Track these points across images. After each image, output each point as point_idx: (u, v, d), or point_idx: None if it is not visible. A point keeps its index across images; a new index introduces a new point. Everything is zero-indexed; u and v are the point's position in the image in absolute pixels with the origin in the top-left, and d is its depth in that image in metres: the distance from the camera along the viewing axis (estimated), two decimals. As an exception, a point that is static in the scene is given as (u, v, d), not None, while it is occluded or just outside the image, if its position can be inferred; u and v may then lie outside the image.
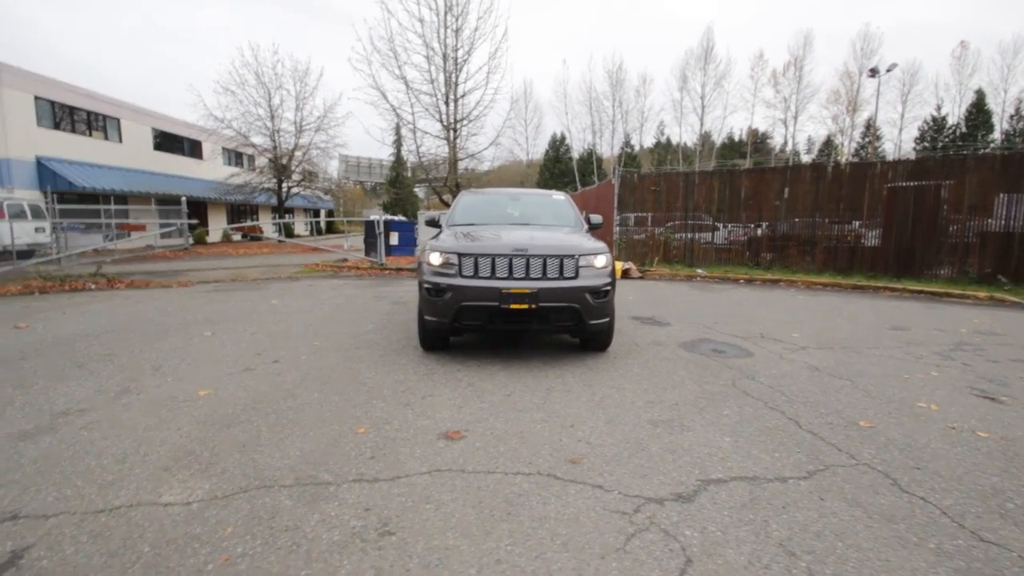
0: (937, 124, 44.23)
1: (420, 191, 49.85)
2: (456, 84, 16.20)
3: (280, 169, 24.20)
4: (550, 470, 2.61)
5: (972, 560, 1.94)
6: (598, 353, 5.01)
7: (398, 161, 44.39)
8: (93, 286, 9.51)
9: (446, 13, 15.50)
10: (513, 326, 4.57)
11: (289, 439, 2.97)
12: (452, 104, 16.33)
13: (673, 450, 2.87)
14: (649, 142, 53.78)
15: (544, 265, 4.41)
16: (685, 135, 51.62)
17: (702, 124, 47.98)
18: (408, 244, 17.62)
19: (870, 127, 45.22)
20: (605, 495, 2.37)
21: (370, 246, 15.91)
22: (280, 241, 23.75)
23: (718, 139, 50.85)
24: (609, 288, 4.58)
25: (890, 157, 37.36)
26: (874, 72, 25.35)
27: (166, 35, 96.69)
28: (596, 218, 5.92)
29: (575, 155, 50.65)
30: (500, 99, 17.77)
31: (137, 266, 13.29)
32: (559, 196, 6.36)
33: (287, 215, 29.60)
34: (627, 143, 50.56)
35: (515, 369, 4.43)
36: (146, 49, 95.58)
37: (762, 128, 52.23)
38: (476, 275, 4.41)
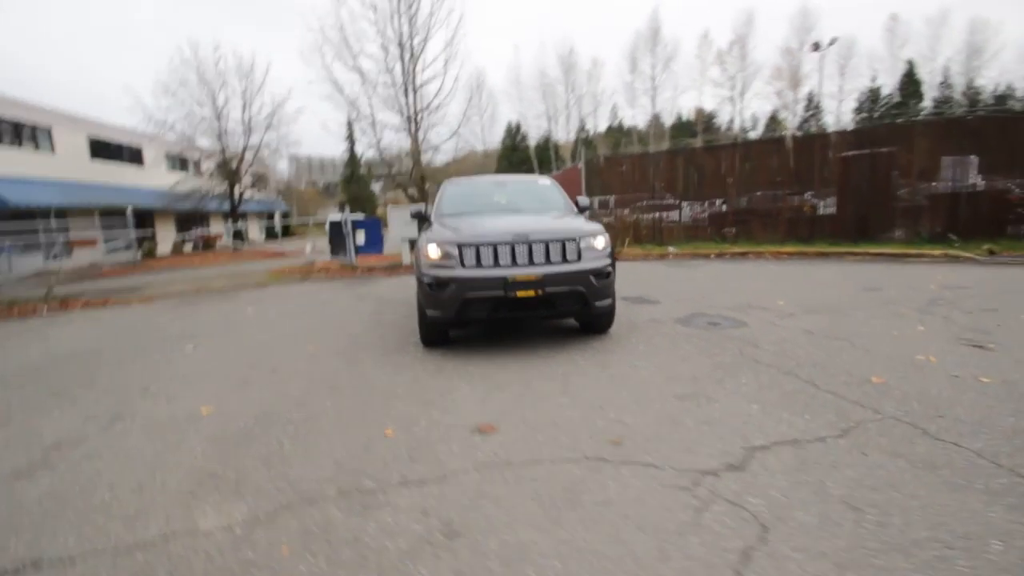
0: (873, 95, 46.49)
1: (377, 187, 48.85)
2: (414, 74, 15.84)
3: (231, 172, 23.09)
4: (596, 454, 2.59)
5: (1022, 496, 2.03)
6: (600, 335, 5.02)
7: (352, 158, 43.22)
8: (45, 309, 8.84)
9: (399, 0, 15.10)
10: (519, 314, 4.51)
11: (316, 449, 2.83)
12: (412, 95, 15.97)
13: (708, 422, 2.90)
14: (604, 126, 54.34)
15: (547, 250, 4.36)
16: (638, 117, 52.46)
17: (654, 105, 48.87)
18: (376, 243, 17.18)
19: (812, 100, 47.12)
20: (659, 473, 2.37)
21: (337, 246, 15.44)
22: (236, 248, 22.78)
23: (670, 119, 51.83)
24: (611, 269, 4.58)
25: (832, 128, 38.94)
26: (817, 46, 26.47)
27: (98, 33, 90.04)
28: (584, 200, 5.90)
29: (532, 142, 50.61)
30: (460, 88, 17.44)
31: (87, 285, 12.45)
32: (545, 181, 6.31)
33: (240, 220, 28.36)
34: (582, 127, 50.88)
35: (524, 357, 4.38)
36: (78, 50, 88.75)
37: (711, 106, 53.58)
38: (479, 265, 4.32)
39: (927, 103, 45.13)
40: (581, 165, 14.77)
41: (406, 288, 9.25)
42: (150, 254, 21.72)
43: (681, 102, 58.13)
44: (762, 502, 2.09)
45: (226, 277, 13.44)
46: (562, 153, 50.57)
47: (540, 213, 5.33)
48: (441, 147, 18.22)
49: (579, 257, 4.43)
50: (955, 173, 11.66)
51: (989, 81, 43.15)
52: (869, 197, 12.11)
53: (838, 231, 12.40)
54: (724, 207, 13.89)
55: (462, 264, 4.33)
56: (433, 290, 4.37)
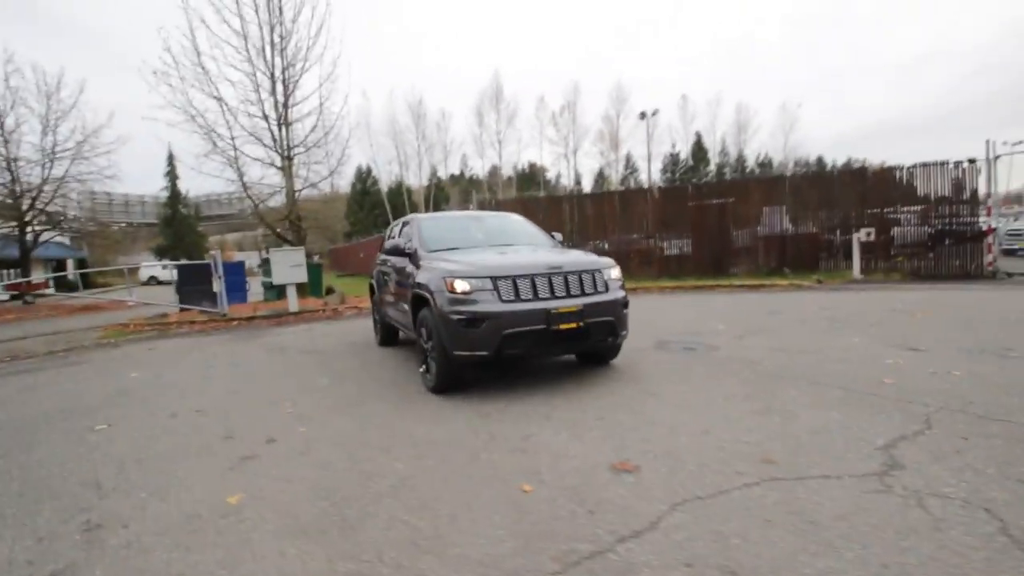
0: (674, 159, 55.95)
1: (211, 229, 42.87)
2: (288, 108, 14.61)
3: (20, 211, 18.02)
4: (767, 475, 2.56)
5: (1104, 455, 2.55)
6: (603, 365, 5.05)
7: (174, 196, 37.38)
8: None
9: (271, 31, 13.95)
10: (555, 348, 4.33)
11: (461, 520, 2.31)
12: (285, 130, 14.65)
13: (815, 431, 3.08)
14: (455, 173, 56.09)
15: (581, 281, 4.30)
16: (487, 167, 55.15)
17: (500, 158, 51.97)
18: (239, 289, 15.03)
19: (629, 161, 54.95)
20: (845, 482, 2.43)
21: (190, 295, 13.09)
22: (26, 303, 17.90)
23: (515, 171, 55.54)
24: (628, 298, 4.69)
25: (645, 186, 45.59)
26: (643, 115, 31.46)
27: None
28: (558, 235, 6.02)
29: (384, 187, 49.82)
30: (341, 126, 15.90)
31: None
32: (518, 217, 6.27)
33: (14, 268, 22.29)
34: (434, 174, 51.78)
35: (561, 392, 4.18)
36: None
37: (549, 161, 59.07)
38: (518, 298, 4.07)
39: (712, 167, 55.86)
40: (473, 207, 14.97)
41: (322, 337, 8.21)
42: None
43: (525, 155, 63.21)
44: (957, 491, 2.28)
45: (38, 338, 10.43)
46: (415, 198, 50.63)
47: (536, 247, 5.26)
48: (319, 185, 16.81)
49: (607, 288, 4.45)
50: (771, 220, 14.55)
51: (752, 152, 55.17)
52: (718, 239, 14.40)
53: (698, 268, 14.42)
54: (606, 247, 15.20)
55: (500, 298, 4.03)
56: (465, 327, 3.98)
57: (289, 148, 14.94)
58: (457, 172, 56.84)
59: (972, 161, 11.64)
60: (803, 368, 4.52)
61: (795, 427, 3.16)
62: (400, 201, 48.98)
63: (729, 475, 2.58)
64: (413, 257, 5.13)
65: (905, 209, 12.84)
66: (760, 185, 14.57)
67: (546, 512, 2.33)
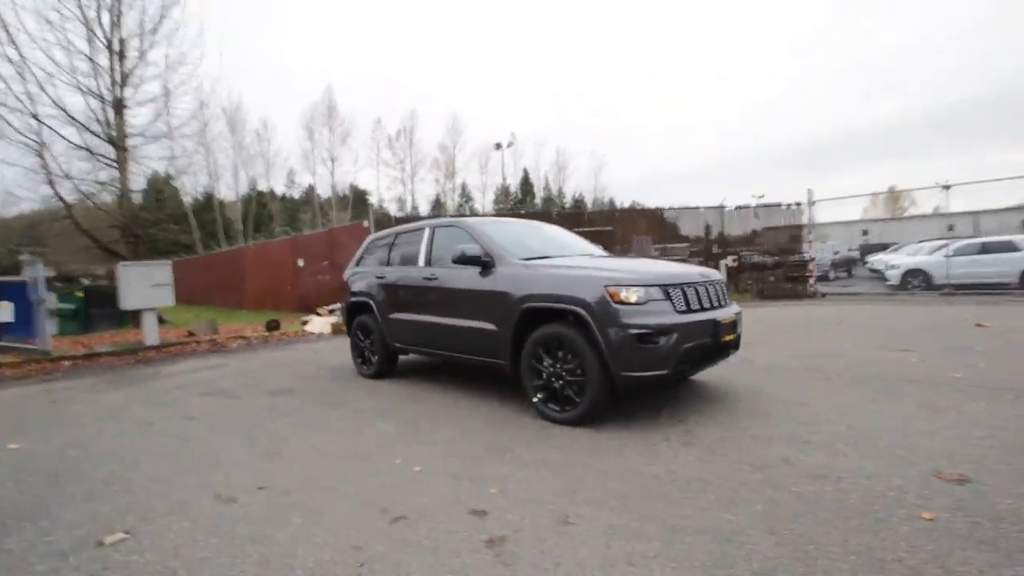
0: (505, 190, 59.16)
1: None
2: (123, 87, 11.38)
3: None
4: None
5: None
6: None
7: None
8: None
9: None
10: (706, 364, 3.97)
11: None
12: (119, 113, 11.35)
13: (1002, 426, 3.34)
14: (279, 188, 50.39)
15: (722, 292, 4.08)
16: (320, 185, 50.79)
17: (333, 176, 48.66)
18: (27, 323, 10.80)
19: (465, 190, 56.44)
20: None
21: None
22: None
23: (336, 192, 52.09)
24: (732, 312, 4.61)
25: (481, 214, 47.42)
26: (498, 146, 32.66)
27: None
28: (599, 248, 5.74)
29: (187, 197, 42.15)
30: (201, 114, 11.98)
31: None
32: (559, 227, 5.79)
33: None
34: (253, 188, 45.83)
35: (718, 411, 3.85)
36: None
37: (385, 184, 57.15)
38: (689, 309, 3.64)
39: (539, 201, 60.69)
40: (369, 224, 13.51)
41: (255, 373, 6.40)
42: None
43: (361, 177, 60.02)
44: None
45: None
46: (229, 214, 44.09)
47: (607, 256, 4.97)
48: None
49: (729, 300, 4.31)
50: (641, 247, 16.35)
51: (569, 189, 61.63)
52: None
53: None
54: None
55: (675, 308, 3.56)
56: (643, 343, 3.40)
57: (124, 137, 11.64)
58: (282, 188, 51.22)
59: (799, 204, 14.73)
60: (866, 370, 4.93)
61: (975, 421, 3.40)
62: (211, 217, 42.17)
63: (1051, 473, 2.61)
64: (488, 267, 4.29)
65: (758, 240, 15.59)
66: (641, 216, 16.24)
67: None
